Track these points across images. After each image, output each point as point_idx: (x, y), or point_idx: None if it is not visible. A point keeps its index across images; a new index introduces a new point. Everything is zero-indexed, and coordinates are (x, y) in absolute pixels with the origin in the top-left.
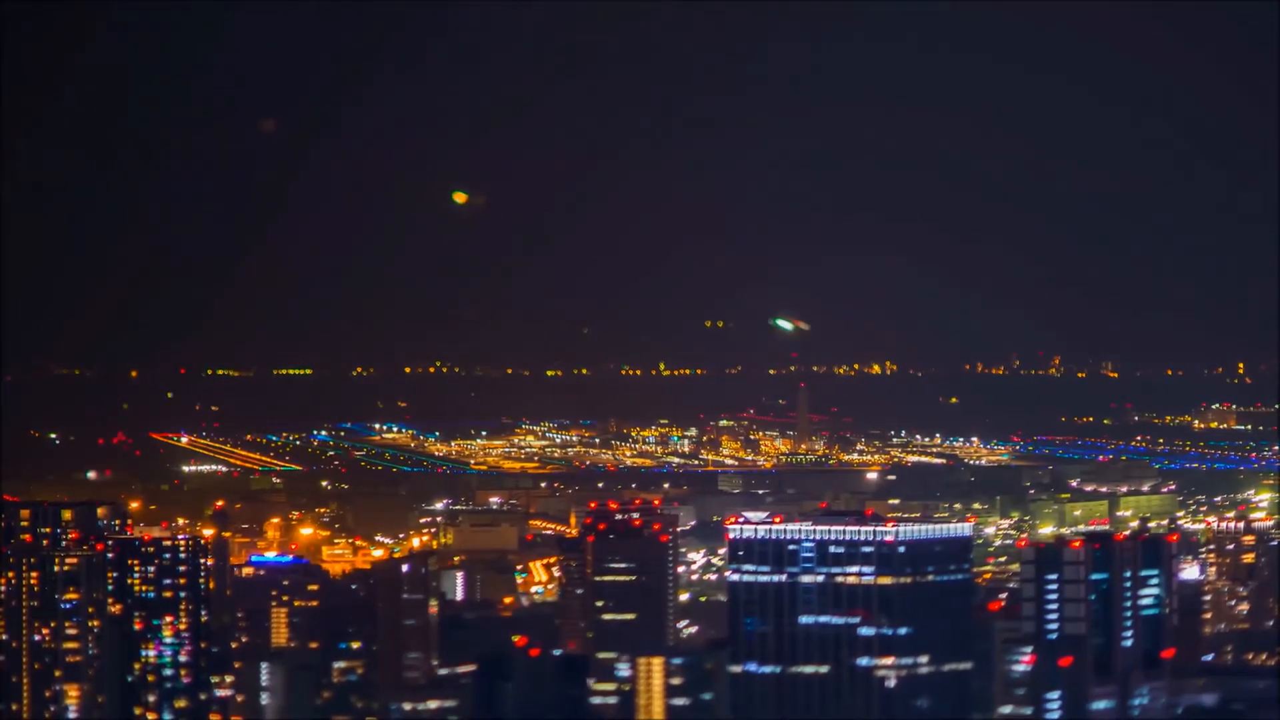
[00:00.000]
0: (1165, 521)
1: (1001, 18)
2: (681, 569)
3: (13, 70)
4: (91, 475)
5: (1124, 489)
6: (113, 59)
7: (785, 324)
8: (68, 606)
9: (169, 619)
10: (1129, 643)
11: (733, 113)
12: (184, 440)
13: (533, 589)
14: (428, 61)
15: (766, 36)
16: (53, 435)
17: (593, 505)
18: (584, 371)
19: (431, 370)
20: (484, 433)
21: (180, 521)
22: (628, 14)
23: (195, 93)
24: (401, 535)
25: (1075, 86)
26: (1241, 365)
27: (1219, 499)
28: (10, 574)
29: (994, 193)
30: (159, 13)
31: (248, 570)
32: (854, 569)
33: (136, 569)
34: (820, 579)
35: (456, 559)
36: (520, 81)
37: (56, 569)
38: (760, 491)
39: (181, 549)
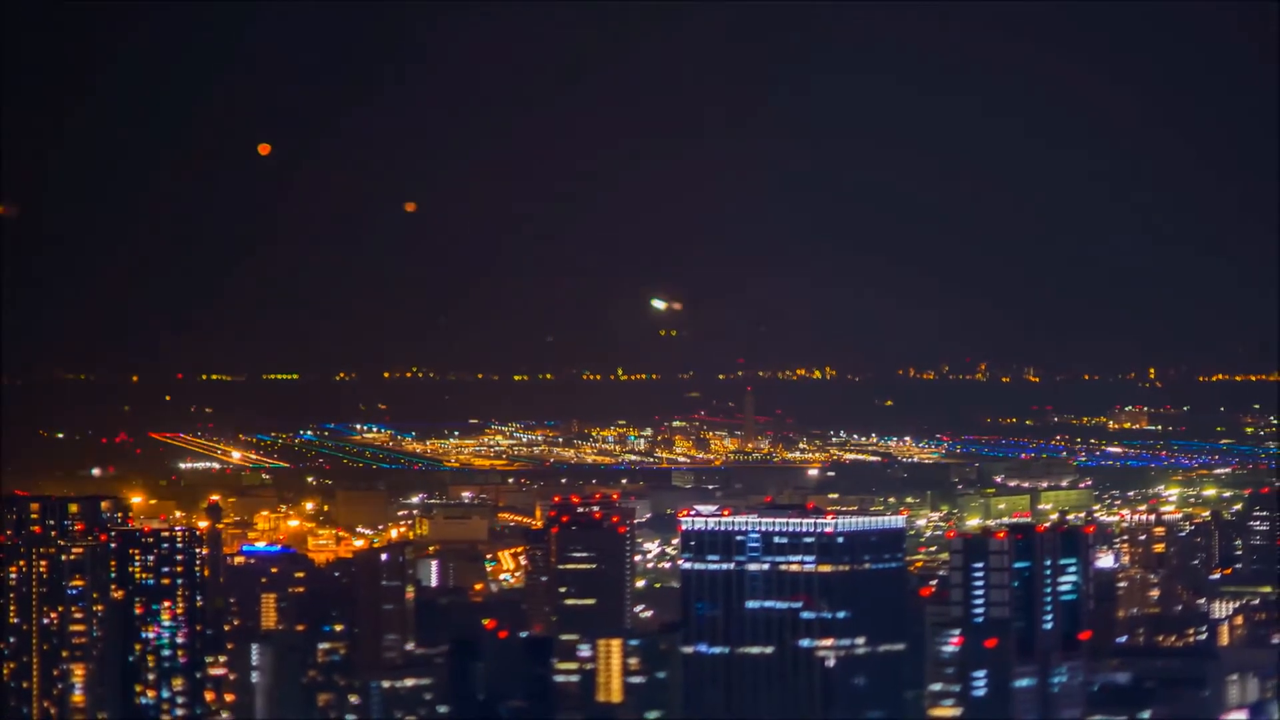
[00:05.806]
0: (1082, 514)
1: (920, 41)
2: (638, 558)
3: (13, 72)
4: (96, 472)
5: (1044, 484)
6: (111, 62)
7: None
8: (73, 593)
9: (167, 604)
10: (1049, 626)
11: (698, 134)
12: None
13: (501, 576)
14: (412, 74)
15: (752, 59)
16: (60, 435)
17: (556, 499)
18: (548, 377)
19: (409, 375)
20: (456, 433)
21: (177, 514)
22: (610, 15)
23: (194, 96)
24: (380, 527)
25: (996, 111)
26: (1153, 371)
27: (1132, 493)
28: (21, 563)
29: (928, 216)
30: (157, 13)
31: (239, 559)
32: (796, 558)
33: (137, 558)
34: (765, 567)
35: (431, 549)
36: (499, 92)
37: (63, 558)
38: (710, 487)
39: (178, 540)
